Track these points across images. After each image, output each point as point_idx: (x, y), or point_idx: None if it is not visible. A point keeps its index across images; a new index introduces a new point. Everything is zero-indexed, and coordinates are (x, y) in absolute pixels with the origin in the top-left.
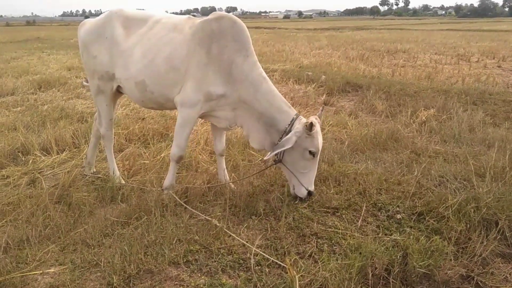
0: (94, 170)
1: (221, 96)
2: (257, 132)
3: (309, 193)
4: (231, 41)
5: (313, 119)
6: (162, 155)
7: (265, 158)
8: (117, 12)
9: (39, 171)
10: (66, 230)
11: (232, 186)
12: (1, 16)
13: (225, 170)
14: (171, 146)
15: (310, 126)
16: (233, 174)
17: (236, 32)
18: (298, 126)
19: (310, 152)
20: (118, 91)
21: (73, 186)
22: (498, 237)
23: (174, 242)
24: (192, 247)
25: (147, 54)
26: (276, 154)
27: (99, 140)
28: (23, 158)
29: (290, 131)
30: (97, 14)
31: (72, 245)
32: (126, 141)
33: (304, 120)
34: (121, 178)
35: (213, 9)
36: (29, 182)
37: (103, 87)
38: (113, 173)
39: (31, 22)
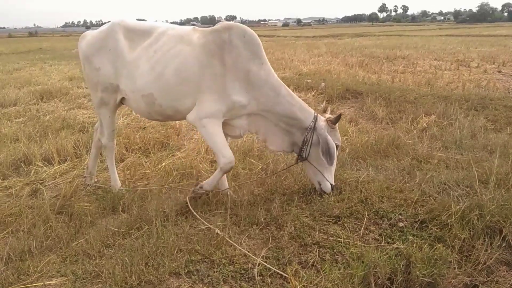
0: (96, 180)
1: (243, 104)
2: (275, 135)
3: (332, 187)
4: (244, 50)
5: (328, 116)
6: (163, 164)
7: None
8: (120, 23)
9: (41, 181)
10: (68, 241)
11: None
12: (4, 27)
13: (225, 179)
14: (171, 155)
15: (336, 119)
16: (233, 183)
17: (247, 41)
18: (321, 123)
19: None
20: (121, 102)
21: (74, 196)
22: (502, 245)
23: (175, 252)
24: (193, 257)
25: (155, 67)
26: (301, 152)
27: (100, 150)
28: (25, 169)
29: (315, 127)
30: (98, 24)
31: (73, 256)
32: (127, 151)
33: (322, 117)
34: (122, 188)
35: (212, 18)
36: (31, 193)
37: (107, 99)
38: (115, 183)
39: (33, 33)
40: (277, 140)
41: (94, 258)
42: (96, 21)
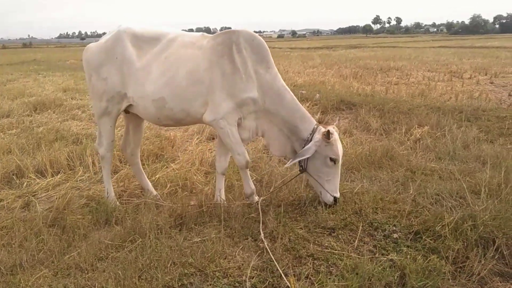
0: (155, 193)
1: (254, 100)
2: (278, 140)
3: (335, 199)
4: (252, 53)
5: (330, 128)
6: (157, 176)
7: (285, 166)
8: (126, 31)
9: (33, 194)
10: (60, 254)
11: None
12: None
13: (222, 190)
14: (165, 167)
15: (327, 134)
16: (228, 195)
17: (256, 45)
18: (317, 135)
19: (331, 159)
20: (124, 111)
21: (67, 209)
22: (496, 256)
23: (168, 265)
24: (186, 271)
25: (167, 72)
26: (300, 164)
27: (139, 163)
28: (18, 181)
29: (311, 140)
30: (93, 36)
31: (65, 269)
32: (120, 162)
33: (323, 129)
34: (116, 200)
35: (207, 29)
36: (23, 206)
37: (111, 108)
38: (107, 194)
39: (27, 44)
40: (280, 145)
41: (86, 272)
42: (91, 32)
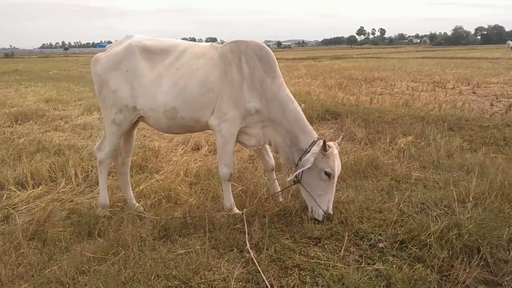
0: (138, 204)
1: (257, 111)
2: (282, 149)
3: (327, 215)
4: (259, 63)
5: (331, 143)
6: (141, 187)
7: (288, 179)
8: (137, 44)
9: (14, 206)
10: (40, 268)
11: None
12: None
13: (276, 181)
14: (149, 178)
15: (324, 146)
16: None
17: (263, 55)
18: (315, 147)
19: (325, 173)
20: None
21: (48, 221)
22: (480, 264)
23: (152, 278)
24: (170, 283)
25: (179, 83)
26: (296, 175)
27: (127, 174)
28: None
29: (309, 151)
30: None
31: (46, 283)
32: None
33: (321, 142)
34: (107, 206)
35: (193, 40)
36: (3, 218)
37: (119, 120)
38: (104, 201)
39: (9, 54)
40: (285, 153)
41: (67, 286)
42: (74, 42)
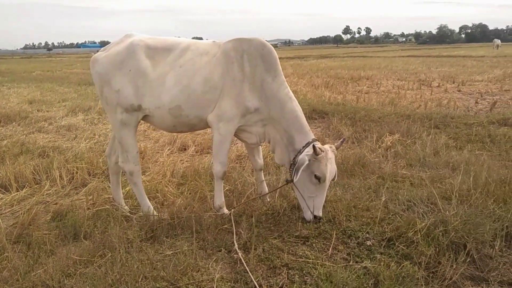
0: (127, 208)
1: (256, 110)
2: (280, 148)
3: (316, 218)
4: (261, 61)
5: (326, 147)
6: (127, 188)
7: (295, 181)
8: (139, 43)
9: None
10: (25, 272)
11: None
12: None
13: (264, 182)
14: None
15: (314, 150)
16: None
17: (265, 54)
18: (308, 149)
19: (315, 176)
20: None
21: (33, 224)
22: (467, 260)
23: (139, 279)
24: (158, 285)
25: (182, 80)
26: (290, 174)
27: (119, 175)
28: None
29: (302, 152)
30: (61, 46)
31: (31, 287)
32: (89, 175)
33: (316, 144)
34: (154, 212)
35: None
36: None
37: (127, 120)
38: (148, 209)
39: None
40: (281, 153)
41: None
42: (58, 43)
